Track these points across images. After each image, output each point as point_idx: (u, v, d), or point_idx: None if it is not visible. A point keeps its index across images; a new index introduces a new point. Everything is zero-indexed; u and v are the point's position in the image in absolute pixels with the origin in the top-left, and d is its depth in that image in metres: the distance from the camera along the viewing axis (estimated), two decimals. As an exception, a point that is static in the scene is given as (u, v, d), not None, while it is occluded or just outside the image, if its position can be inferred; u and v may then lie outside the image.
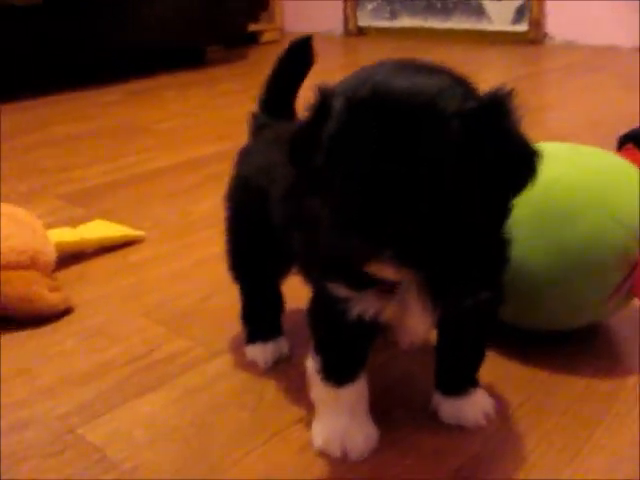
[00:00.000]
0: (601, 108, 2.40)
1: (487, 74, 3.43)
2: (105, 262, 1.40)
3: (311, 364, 0.85)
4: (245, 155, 1.03)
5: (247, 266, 1.04)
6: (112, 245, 1.44)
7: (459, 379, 0.90)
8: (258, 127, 1.05)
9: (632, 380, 0.96)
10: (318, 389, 0.85)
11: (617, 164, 1.03)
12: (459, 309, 0.79)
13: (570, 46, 3.82)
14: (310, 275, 0.89)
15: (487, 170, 0.66)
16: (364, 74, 0.68)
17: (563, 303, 0.98)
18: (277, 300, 1.06)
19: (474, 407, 0.89)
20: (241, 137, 1.06)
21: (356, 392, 0.84)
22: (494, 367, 0.99)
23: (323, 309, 0.81)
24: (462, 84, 0.68)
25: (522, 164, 0.69)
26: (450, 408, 0.89)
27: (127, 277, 1.33)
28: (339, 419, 0.84)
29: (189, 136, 2.36)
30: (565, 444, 0.85)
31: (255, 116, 1.05)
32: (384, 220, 0.63)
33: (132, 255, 1.42)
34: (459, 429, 0.88)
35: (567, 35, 3.85)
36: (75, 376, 1.01)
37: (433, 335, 0.88)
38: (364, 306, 0.76)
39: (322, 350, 0.84)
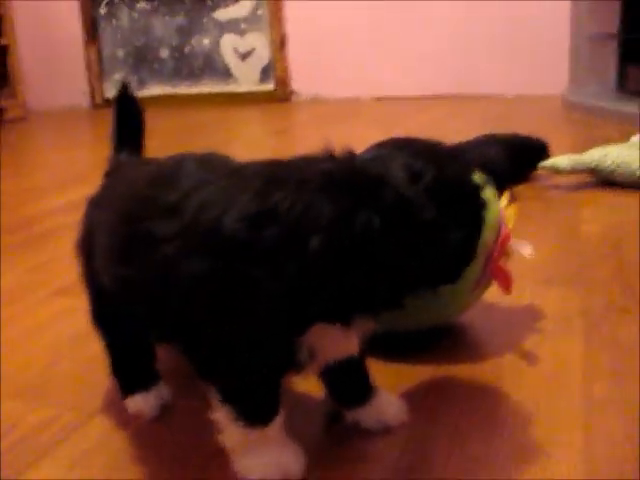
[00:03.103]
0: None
1: (244, 131, 3.54)
2: None
3: (222, 415, 0.77)
4: (94, 204, 0.94)
5: (109, 319, 0.95)
6: None
7: (363, 385, 0.88)
8: (113, 168, 0.98)
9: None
10: (238, 434, 0.77)
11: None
12: None
13: (316, 100, 4.06)
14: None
15: None
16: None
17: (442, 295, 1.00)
18: (148, 345, 0.97)
19: (391, 404, 0.89)
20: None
21: (280, 421, 0.79)
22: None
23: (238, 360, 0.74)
24: None
25: None
26: (371, 413, 0.87)
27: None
28: (269, 450, 0.78)
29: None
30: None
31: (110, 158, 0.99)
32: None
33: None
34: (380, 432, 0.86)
35: (312, 90, 4.09)
36: None
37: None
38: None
39: (236, 398, 0.76)
